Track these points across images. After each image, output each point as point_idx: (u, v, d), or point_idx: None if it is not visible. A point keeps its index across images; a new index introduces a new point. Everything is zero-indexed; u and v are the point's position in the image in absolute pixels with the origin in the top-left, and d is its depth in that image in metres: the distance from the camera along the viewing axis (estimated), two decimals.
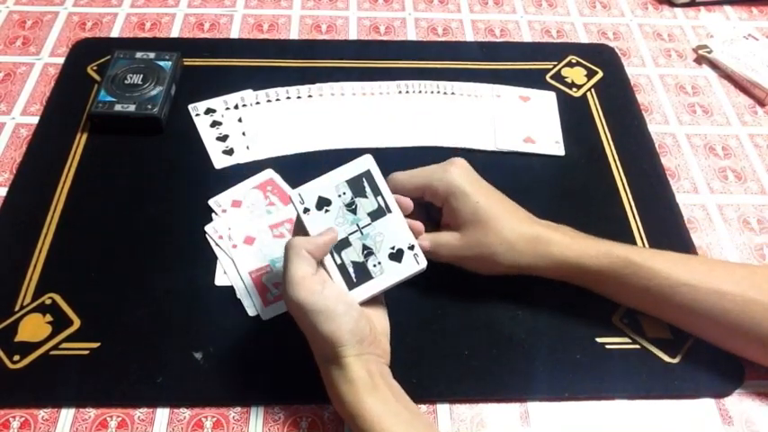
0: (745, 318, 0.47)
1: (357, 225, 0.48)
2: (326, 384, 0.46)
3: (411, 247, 0.48)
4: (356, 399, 0.43)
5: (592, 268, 0.50)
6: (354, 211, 0.48)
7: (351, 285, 0.47)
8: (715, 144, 0.69)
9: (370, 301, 0.48)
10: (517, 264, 0.51)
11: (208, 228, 0.58)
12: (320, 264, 0.47)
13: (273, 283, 0.54)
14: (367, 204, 0.48)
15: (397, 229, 0.48)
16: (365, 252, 0.48)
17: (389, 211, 0.48)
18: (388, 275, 0.48)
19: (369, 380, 0.44)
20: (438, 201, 0.51)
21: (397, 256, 0.48)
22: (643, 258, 0.49)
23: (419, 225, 0.49)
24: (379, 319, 0.48)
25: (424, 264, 0.48)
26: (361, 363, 0.44)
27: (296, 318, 0.46)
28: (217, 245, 0.57)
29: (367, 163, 0.49)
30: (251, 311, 0.53)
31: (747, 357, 0.51)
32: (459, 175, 0.50)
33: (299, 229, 0.48)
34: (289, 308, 0.46)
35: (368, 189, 0.48)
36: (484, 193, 0.51)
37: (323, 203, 0.48)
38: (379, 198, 0.48)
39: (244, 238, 0.57)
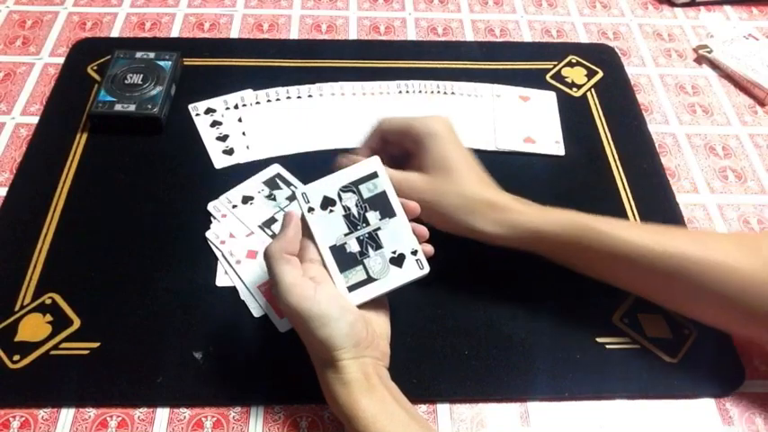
0: (705, 279, 0.47)
1: (361, 227, 0.48)
2: (322, 387, 0.46)
3: (414, 252, 0.48)
4: (351, 400, 0.43)
5: (549, 235, 0.49)
6: (359, 213, 0.48)
7: (350, 288, 0.47)
8: (715, 144, 0.69)
9: (371, 303, 0.47)
10: (471, 226, 0.50)
11: (208, 234, 0.57)
12: (312, 261, 0.47)
13: None
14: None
15: (400, 233, 0.48)
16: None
17: (394, 215, 0.48)
18: (388, 279, 0.47)
19: (364, 381, 0.43)
20: (414, 141, 0.52)
21: (398, 260, 0.48)
22: (606, 226, 0.49)
23: (423, 230, 0.49)
24: (379, 322, 0.48)
25: (426, 269, 0.48)
26: (357, 365, 0.44)
27: (291, 322, 0.46)
28: (218, 249, 0.57)
29: (374, 165, 0.49)
30: (256, 312, 0.53)
31: (707, 322, 0.51)
32: (440, 122, 0.53)
33: (303, 230, 0.48)
34: (284, 313, 0.46)
35: (374, 191, 0.49)
36: (458, 147, 0.52)
37: (327, 203, 0.48)
38: (385, 201, 0.48)
39: (246, 252, 0.56)
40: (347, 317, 0.44)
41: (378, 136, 0.54)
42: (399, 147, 0.54)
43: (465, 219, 0.50)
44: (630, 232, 0.49)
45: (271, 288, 0.54)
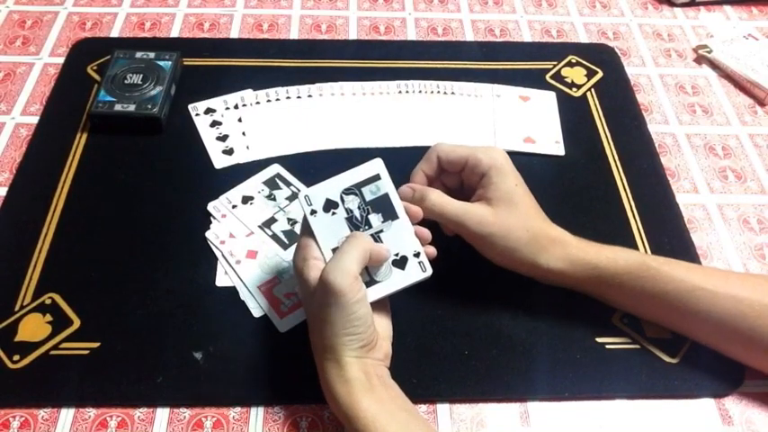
0: (763, 323, 0.47)
1: (363, 229, 0.48)
2: (323, 384, 0.46)
3: (416, 255, 0.48)
4: (351, 399, 0.43)
5: (608, 271, 0.50)
6: (361, 216, 0.48)
7: None
8: (715, 144, 0.69)
9: (374, 305, 0.47)
10: (534, 261, 0.50)
11: (208, 234, 0.57)
12: (317, 259, 0.47)
13: (284, 294, 0.54)
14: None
15: (403, 236, 0.48)
16: None
17: (396, 218, 0.48)
18: (391, 281, 0.47)
19: (365, 381, 0.43)
20: (477, 173, 0.51)
21: (400, 263, 0.48)
22: (659, 263, 0.49)
23: (426, 232, 0.49)
24: (382, 324, 0.48)
25: (429, 272, 0.48)
26: (359, 364, 0.44)
27: (311, 299, 0.45)
28: (218, 249, 0.57)
29: (376, 167, 0.49)
30: (256, 313, 0.53)
31: (765, 370, 0.50)
32: (503, 155, 0.52)
33: (306, 230, 0.48)
34: (307, 288, 0.45)
35: (376, 194, 0.48)
36: (521, 182, 0.52)
37: (330, 206, 0.48)
38: (388, 204, 0.48)
39: (246, 252, 0.56)
40: (368, 321, 0.45)
41: (434, 162, 0.53)
42: (456, 177, 0.54)
43: (530, 254, 0.50)
44: (686, 272, 0.49)
45: (272, 287, 0.54)
